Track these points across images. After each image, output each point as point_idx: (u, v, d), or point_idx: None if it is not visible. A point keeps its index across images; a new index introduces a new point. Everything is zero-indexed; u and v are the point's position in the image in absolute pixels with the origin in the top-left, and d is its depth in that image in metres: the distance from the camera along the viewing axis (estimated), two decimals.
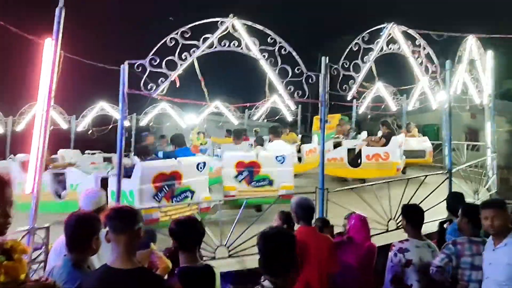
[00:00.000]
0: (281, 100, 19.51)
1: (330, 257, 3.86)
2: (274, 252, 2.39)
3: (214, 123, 23.49)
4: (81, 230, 2.83)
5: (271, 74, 5.93)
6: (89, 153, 13.77)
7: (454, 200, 5.21)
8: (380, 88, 16.82)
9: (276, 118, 20.43)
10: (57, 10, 4.50)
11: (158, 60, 5.62)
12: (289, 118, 19.95)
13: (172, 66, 5.73)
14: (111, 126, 18.50)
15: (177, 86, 5.73)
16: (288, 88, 5.99)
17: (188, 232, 3.04)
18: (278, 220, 4.39)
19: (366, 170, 10.51)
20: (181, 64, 5.70)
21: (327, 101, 6.02)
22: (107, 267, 2.53)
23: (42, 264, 4.39)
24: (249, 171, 7.59)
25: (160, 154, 7.34)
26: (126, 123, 16.09)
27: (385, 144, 10.29)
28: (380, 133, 12.40)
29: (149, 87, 5.66)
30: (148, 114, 19.47)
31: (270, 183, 7.61)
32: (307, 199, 4.20)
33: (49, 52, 4.40)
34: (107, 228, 2.65)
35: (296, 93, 5.98)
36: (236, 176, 7.61)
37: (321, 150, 6.12)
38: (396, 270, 4.14)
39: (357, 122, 19.48)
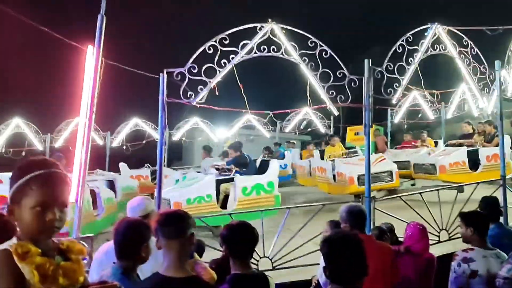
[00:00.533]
0: (313, 111, 19.47)
1: (392, 266, 3.58)
2: (343, 257, 2.16)
3: (245, 137, 23.44)
4: (131, 237, 2.69)
5: (312, 79, 5.74)
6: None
7: (487, 206, 4.81)
8: (417, 96, 16.48)
9: (309, 130, 20.21)
10: (98, 18, 4.47)
11: (197, 68, 5.53)
12: (322, 129, 19.68)
13: (210, 74, 5.63)
14: (144, 141, 18.73)
15: (216, 94, 5.61)
16: (330, 92, 5.78)
17: (242, 238, 2.84)
18: (329, 230, 4.14)
19: None
20: (220, 71, 5.59)
21: (371, 105, 5.76)
22: (159, 275, 2.36)
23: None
24: None
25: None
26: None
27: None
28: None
29: (188, 95, 5.56)
30: (181, 128, 19.59)
31: None
32: (357, 205, 3.94)
33: (91, 59, 4.36)
34: (158, 235, 2.50)
35: (338, 97, 5.75)
36: None
37: (367, 159, 5.84)
38: (461, 282, 3.79)
39: (392, 133, 18.99)
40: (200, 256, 4.84)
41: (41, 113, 17.97)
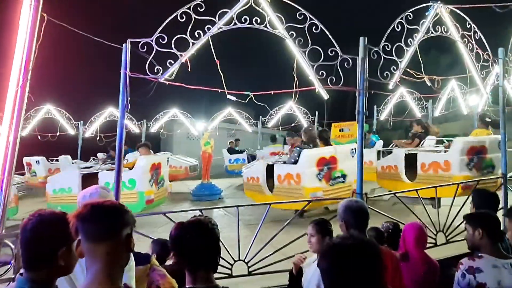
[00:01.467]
0: (296, 105, 18.83)
1: (395, 274, 2.88)
2: (357, 276, 1.42)
3: (227, 131, 22.68)
4: (42, 237, 1.89)
5: (299, 56, 4.99)
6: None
7: (481, 200, 4.12)
8: (404, 92, 15.96)
9: (292, 125, 19.54)
10: None
11: (166, 39, 4.73)
12: (305, 125, 19.03)
13: (182, 46, 4.84)
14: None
15: (188, 70, 4.82)
16: (320, 73, 5.04)
17: (198, 243, 2.02)
18: (314, 233, 3.37)
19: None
20: (193, 44, 4.80)
21: (365, 89, 5.06)
22: None
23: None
24: None
25: None
26: (136, 129, 15.52)
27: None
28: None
29: (155, 70, 4.76)
30: (159, 120, 18.74)
31: None
32: (358, 201, 3.20)
33: (26, 11, 3.51)
34: (79, 236, 1.74)
35: (329, 79, 5.03)
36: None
37: (359, 152, 5.14)
38: None
39: (377, 131, 18.48)
40: (165, 259, 4.07)
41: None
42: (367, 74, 5.10)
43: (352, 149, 7.77)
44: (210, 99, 23.43)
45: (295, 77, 4.90)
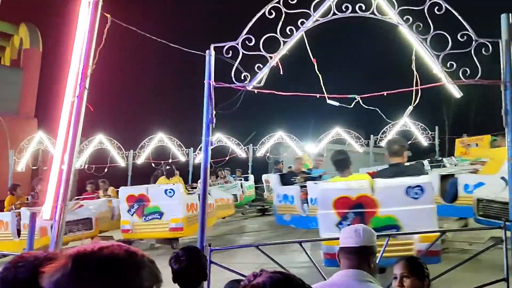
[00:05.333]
0: (412, 122, 17.01)
1: None
2: None
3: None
4: None
5: (419, 46, 3.92)
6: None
7: None
8: None
9: (408, 143, 17.70)
10: None
11: (253, 40, 4.05)
12: (424, 142, 17.08)
13: (271, 47, 4.12)
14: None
15: (280, 73, 4.06)
16: (448, 65, 3.90)
17: None
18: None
19: None
20: (284, 42, 4.04)
21: None
22: None
23: None
24: None
25: None
26: (243, 154, 15.22)
27: None
28: None
29: (242, 77, 4.10)
30: (265, 144, 18.41)
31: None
32: None
33: (85, 10, 3.08)
34: None
35: (461, 71, 3.85)
36: None
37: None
38: None
39: None
40: None
41: (123, 129, 17.88)
42: None
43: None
44: (317, 119, 22.63)
45: (415, 72, 3.83)
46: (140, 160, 16.58)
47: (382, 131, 17.59)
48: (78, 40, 3.10)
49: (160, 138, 17.12)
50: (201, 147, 16.31)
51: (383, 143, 17.63)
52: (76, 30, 3.09)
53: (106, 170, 15.14)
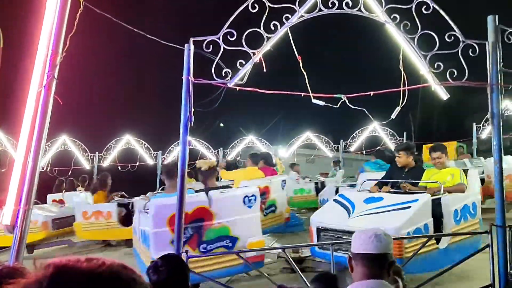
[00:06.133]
0: (381, 127, 17.22)
1: None
2: None
3: (305, 157, 21.53)
4: None
5: (406, 46, 3.82)
6: None
7: None
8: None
9: (377, 148, 17.90)
10: None
11: (235, 35, 3.84)
12: (393, 147, 17.31)
13: (254, 43, 3.92)
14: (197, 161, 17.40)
15: (264, 70, 3.86)
16: (436, 65, 3.81)
17: None
18: None
19: None
20: (268, 38, 3.85)
21: (500, 83, 3.73)
22: None
23: None
24: None
25: None
26: (213, 158, 14.98)
27: None
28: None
29: (223, 74, 3.87)
30: (235, 148, 18.18)
31: None
32: None
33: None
34: None
35: (448, 72, 3.77)
36: None
37: (497, 170, 3.74)
38: None
39: (477, 151, 16.32)
40: None
41: (89, 130, 17.23)
42: (502, 64, 3.77)
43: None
44: (287, 123, 22.62)
45: (403, 72, 3.72)
46: (106, 163, 16.02)
47: (352, 136, 17.76)
48: (46, 25, 2.78)
49: (127, 140, 16.61)
50: (169, 150, 16.00)
51: (352, 148, 17.81)
52: (44, 15, 2.76)
53: (70, 172, 14.56)
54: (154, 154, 17.25)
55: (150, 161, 16.99)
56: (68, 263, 0.75)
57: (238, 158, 18.46)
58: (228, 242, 4.42)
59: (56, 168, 14.69)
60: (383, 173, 6.06)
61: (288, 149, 18.25)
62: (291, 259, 4.07)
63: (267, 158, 8.47)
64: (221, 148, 18.27)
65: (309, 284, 2.80)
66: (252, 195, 4.69)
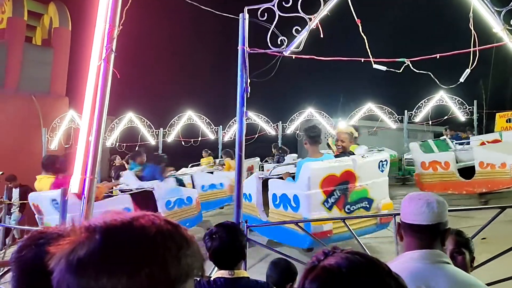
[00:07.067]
0: (448, 96, 16.23)
1: None
2: None
3: (367, 129, 20.92)
4: None
5: (477, 2, 3.50)
6: None
7: None
8: None
9: (445, 118, 16.95)
10: None
11: (291, 1, 3.72)
12: (462, 117, 16.32)
13: (309, 9, 3.78)
14: (256, 135, 17.54)
15: (321, 36, 3.73)
16: (511, 22, 3.47)
17: None
18: None
19: None
20: (325, 2, 3.70)
21: None
22: None
23: None
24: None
25: None
26: (273, 131, 15.04)
27: None
28: None
29: (278, 42, 3.79)
30: (294, 121, 18.05)
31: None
32: None
33: None
34: None
35: None
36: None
37: None
38: None
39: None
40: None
41: (153, 107, 17.88)
42: None
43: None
44: (347, 94, 22.00)
45: (473, 31, 3.42)
46: (170, 138, 16.62)
47: (417, 106, 16.92)
48: (103, 1, 2.86)
49: (189, 116, 17.06)
50: (229, 125, 16.24)
51: (417, 119, 16.99)
52: None
53: (136, 148, 15.24)
54: (215, 129, 17.61)
55: (211, 136, 17.37)
56: (115, 225, 0.74)
57: (297, 132, 18.35)
58: (366, 204, 5.01)
59: (124, 144, 15.46)
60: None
61: (349, 122, 17.79)
62: None
63: None
64: (280, 122, 18.22)
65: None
66: (385, 160, 5.26)
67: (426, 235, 1.68)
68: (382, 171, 5.20)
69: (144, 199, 6.17)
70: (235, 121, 15.08)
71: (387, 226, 5.18)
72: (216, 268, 2.20)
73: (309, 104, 18.34)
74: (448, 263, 1.66)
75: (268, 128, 17.84)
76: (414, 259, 1.66)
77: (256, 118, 17.86)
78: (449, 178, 8.91)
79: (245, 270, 2.81)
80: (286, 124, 18.19)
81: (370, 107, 17.56)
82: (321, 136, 4.93)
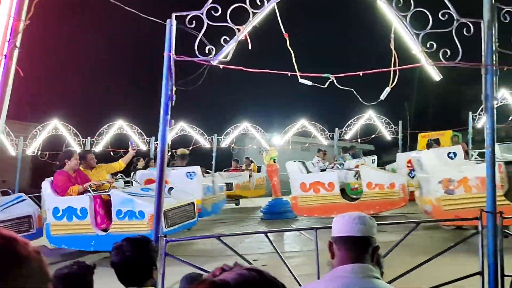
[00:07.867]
0: (376, 116, 17.08)
1: None
2: None
3: (300, 145, 21.41)
4: None
5: (398, 23, 3.65)
6: None
7: None
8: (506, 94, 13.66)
9: (372, 137, 17.80)
10: None
11: (220, 10, 3.66)
12: (388, 136, 17.22)
13: (239, 19, 3.74)
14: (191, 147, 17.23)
15: (249, 48, 3.69)
16: (428, 45, 3.65)
17: None
18: None
19: None
20: (254, 14, 3.67)
21: (495, 64, 3.57)
22: None
23: None
24: None
25: None
26: (207, 144, 14.99)
27: None
28: None
29: (207, 50, 3.70)
30: (230, 135, 18.02)
31: None
32: None
33: None
34: None
35: (441, 52, 3.61)
36: None
37: (489, 157, 3.61)
38: None
39: (473, 140, 16.20)
40: None
41: (80, 114, 17.03)
42: (497, 44, 3.61)
43: None
44: (282, 110, 22.43)
45: (394, 52, 3.55)
46: (98, 148, 15.84)
47: (347, 124, 17.62)
48: None
49: (119, 126, 16.41)
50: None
51: (347, 136, 17.67)
52: None
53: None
54: (147, 139, 17.08)
55: (142, 147, 16.82)
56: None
57: (232, 145, 18.33)
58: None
59: (47, 153, 14.48)
60: None
61: (283, 137, 18.07)
62: None
63: None
64: (215, 135, 18.11)
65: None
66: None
67: (359, 248, 1.74)
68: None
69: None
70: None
71: None
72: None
73: (244, 118, 18.44)
74: (378, 278, 1.69)
75: (203, 140, 17.64)
76: (347, 271, 1.67)
77: (191, 130, 17.60)
78: (334, 200, 8.40)
79: None
80: (221, 137, 18.11)
81: (303, 123, 17.97)
82: None
